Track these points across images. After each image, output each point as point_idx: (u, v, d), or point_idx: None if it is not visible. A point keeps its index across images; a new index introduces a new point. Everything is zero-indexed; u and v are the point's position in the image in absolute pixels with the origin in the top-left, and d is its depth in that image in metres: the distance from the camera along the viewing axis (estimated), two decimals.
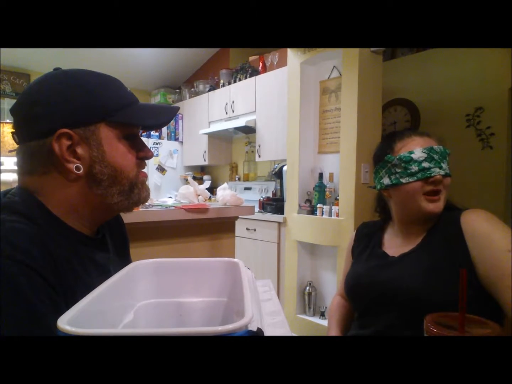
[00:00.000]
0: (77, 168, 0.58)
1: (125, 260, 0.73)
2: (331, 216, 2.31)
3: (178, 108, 0.72)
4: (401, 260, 0.91)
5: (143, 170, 0.68)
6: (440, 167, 0.88)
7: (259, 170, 3.90)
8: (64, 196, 0.59)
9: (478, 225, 0.83)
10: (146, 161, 0.68)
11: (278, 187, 3.15)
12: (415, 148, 0.89)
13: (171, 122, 4.33)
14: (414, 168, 0.88)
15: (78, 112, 0.57)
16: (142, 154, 0.66)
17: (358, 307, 1.00)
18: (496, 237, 0.80)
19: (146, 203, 1.48)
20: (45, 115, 0.57)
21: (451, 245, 0.85)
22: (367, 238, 1.06)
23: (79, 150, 0.58)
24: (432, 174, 0.87)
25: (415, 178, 0.88)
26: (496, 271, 0.78)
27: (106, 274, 0.58)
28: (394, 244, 0.98)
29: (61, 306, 0.50)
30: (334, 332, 1.05)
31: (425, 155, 0.88)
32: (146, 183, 0.69)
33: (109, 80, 0.63)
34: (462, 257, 0.82)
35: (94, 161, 0.59)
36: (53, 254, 0.53)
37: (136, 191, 0.64)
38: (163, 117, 0.67)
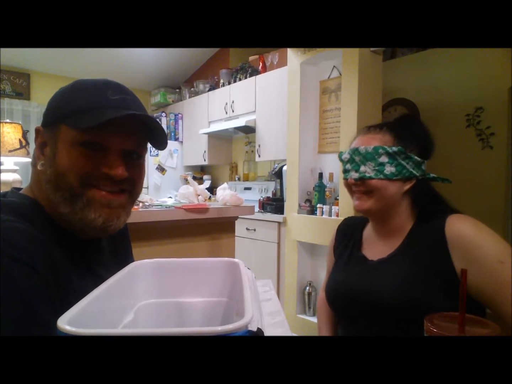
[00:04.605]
0: (41, 165, 0.60)
1: (125, 261, 0.73)
2: (331, 216, 2.31)
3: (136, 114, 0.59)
4: (379, 266, 0.88)
5: (111, 191, 0.59)
6: (357, 170, 0.86)
7: (259, 170, 3.89)
8: (42, 192, 0.61)
9: (464, 235, 0.78)
10: (124, 181, 0.59)
11: (278, 187, 3.14)
12: (352, 148, 0.90)
13: (172, 122, 4.34)
14: (343, 168, 0.92)
15: (46, 113, 0.62)
16: (105, 169, 0.58)
17: (339, 315, 0.98)
18: (485, 249, 0.76)
19: (146, 203, 1.49)
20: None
21: (432, 253, 0.81)
22: (347, 237, 1.03)
23: (46, 149, 0.61)
24: (347, 177, 0.90)
25: (344, 177, 0.92)
26: (491, 284, 0.74)
27: (100, 276, 0.58)
28: (373, 246, 0.95)
29: (59, 306, 0.50)
30: (325, 331, 1.04)
31: (349, 157, 0.89)
32: (112, 206, 0.59)
33: (83, 84, 0.61)
34: (443, 266, 0.78)
35: (47, 160, 0.60)
36: (50, 254, 0.53)
37: (80, 204, 0.57)
38: (107, 115, 0.55)
